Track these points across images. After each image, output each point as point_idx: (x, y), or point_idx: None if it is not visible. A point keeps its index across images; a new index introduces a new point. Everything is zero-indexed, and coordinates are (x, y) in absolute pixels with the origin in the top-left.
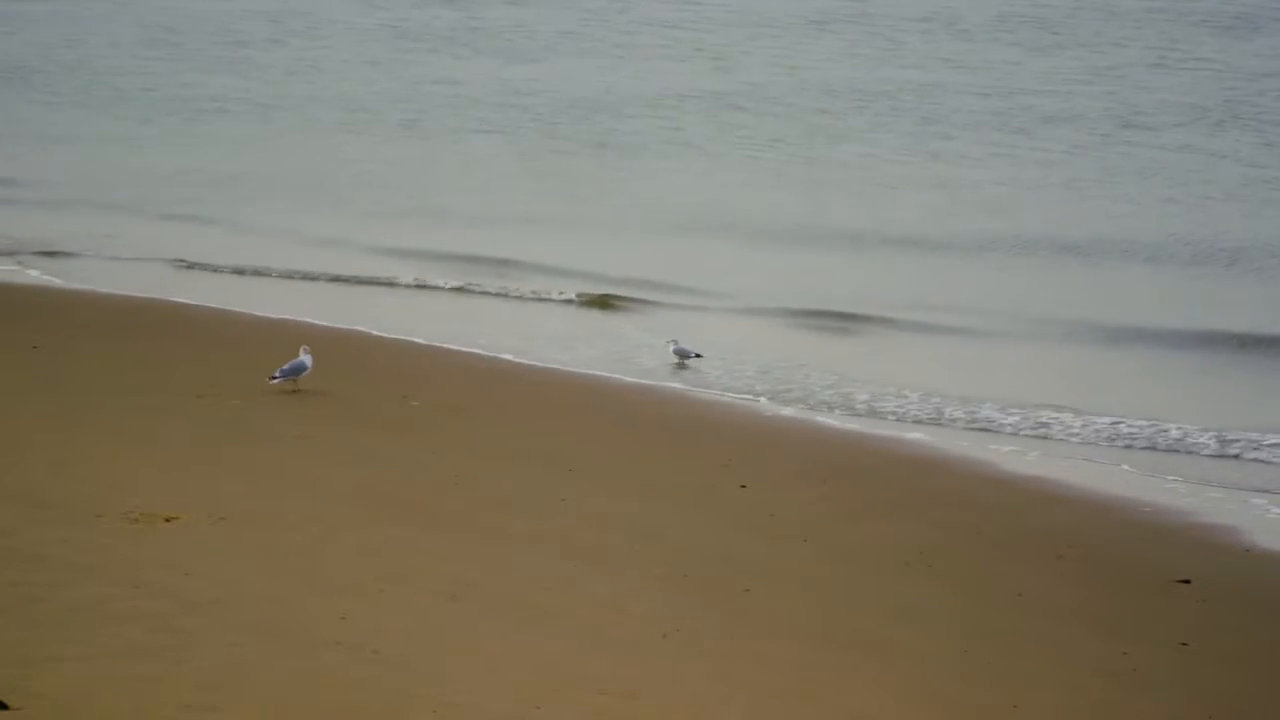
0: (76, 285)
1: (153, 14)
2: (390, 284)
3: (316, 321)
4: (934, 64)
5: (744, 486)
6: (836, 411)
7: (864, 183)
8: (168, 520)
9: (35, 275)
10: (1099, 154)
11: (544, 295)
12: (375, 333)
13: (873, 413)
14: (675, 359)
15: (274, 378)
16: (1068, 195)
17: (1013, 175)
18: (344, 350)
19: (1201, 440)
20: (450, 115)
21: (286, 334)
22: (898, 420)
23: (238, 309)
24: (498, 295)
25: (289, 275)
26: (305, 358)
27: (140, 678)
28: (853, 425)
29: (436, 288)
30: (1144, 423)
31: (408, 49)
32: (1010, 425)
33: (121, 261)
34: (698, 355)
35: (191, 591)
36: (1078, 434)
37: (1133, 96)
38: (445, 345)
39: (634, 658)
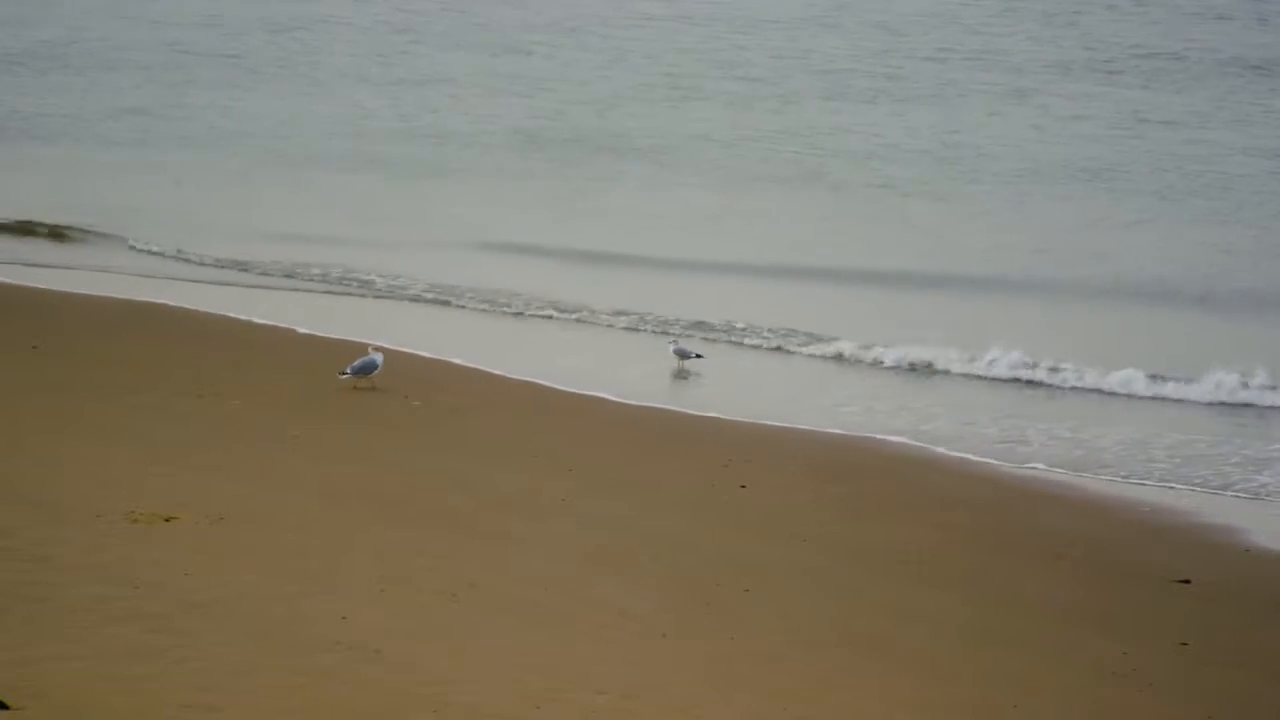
0: (76, 287)
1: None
2: (383, 296)
3: (310, 330)
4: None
5: (744, 486)
6: (832, 419)
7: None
8: (168, 520)
9: None
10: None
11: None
12: (377, 341)
13: (868, 426)
14: (676, 359)
15: (343, 373)
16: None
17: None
18: (348, 354)
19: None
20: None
21: (288, 338)
22: (885, 434)
23: (237, 314)
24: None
25: (291, 287)
26: (375, 356)
27: (140, 678)
28: (852, 426)
29: (447, 303)
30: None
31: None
32: (995, 435)
33: None
34: (698, 356)
35: (191, 591)
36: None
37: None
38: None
39: (634, 658)
